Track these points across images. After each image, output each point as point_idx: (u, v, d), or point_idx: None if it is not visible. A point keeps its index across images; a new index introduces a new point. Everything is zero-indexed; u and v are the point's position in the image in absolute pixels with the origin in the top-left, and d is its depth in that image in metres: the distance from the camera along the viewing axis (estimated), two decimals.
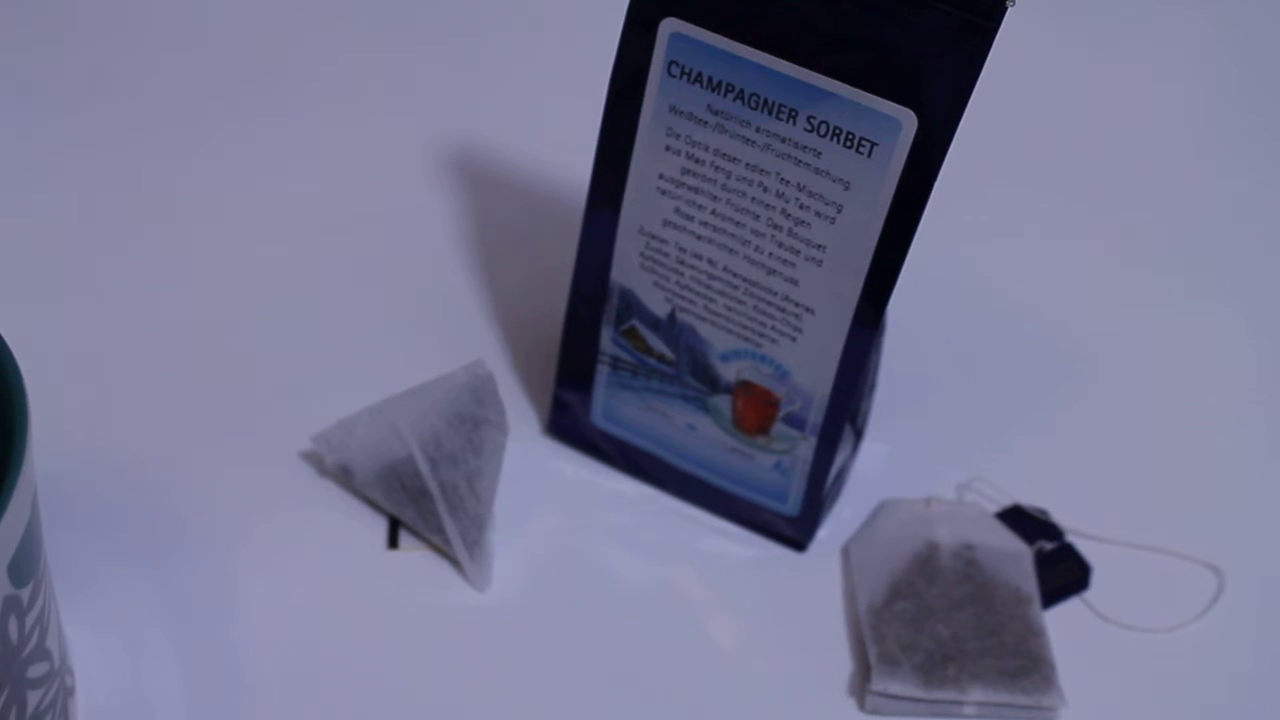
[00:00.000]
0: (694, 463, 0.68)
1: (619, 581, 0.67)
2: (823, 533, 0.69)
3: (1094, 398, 0.74)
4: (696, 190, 0.60)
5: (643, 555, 0.68)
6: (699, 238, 0.61)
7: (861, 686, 0.64)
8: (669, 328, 0.64)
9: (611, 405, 0.68)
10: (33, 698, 0.54)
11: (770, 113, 0.57)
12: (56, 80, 0.82)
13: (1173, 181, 0.83)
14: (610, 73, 0.60)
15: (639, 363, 0.66)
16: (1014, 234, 0.80)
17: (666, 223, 0.62)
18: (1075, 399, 0.74)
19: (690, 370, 0.65)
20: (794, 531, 0.68)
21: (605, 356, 0.67)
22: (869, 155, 0.57)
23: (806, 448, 0.65)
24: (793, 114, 0.57)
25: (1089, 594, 0.67)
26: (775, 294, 0.61)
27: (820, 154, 0.57)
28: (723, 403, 0.65)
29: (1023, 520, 0.69)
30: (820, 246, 0.59)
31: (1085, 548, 0.68)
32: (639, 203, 0.62)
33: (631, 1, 0.58)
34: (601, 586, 0.66)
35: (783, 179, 0.59)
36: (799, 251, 0.60)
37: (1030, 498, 0.70)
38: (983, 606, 0.65)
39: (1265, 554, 0.69)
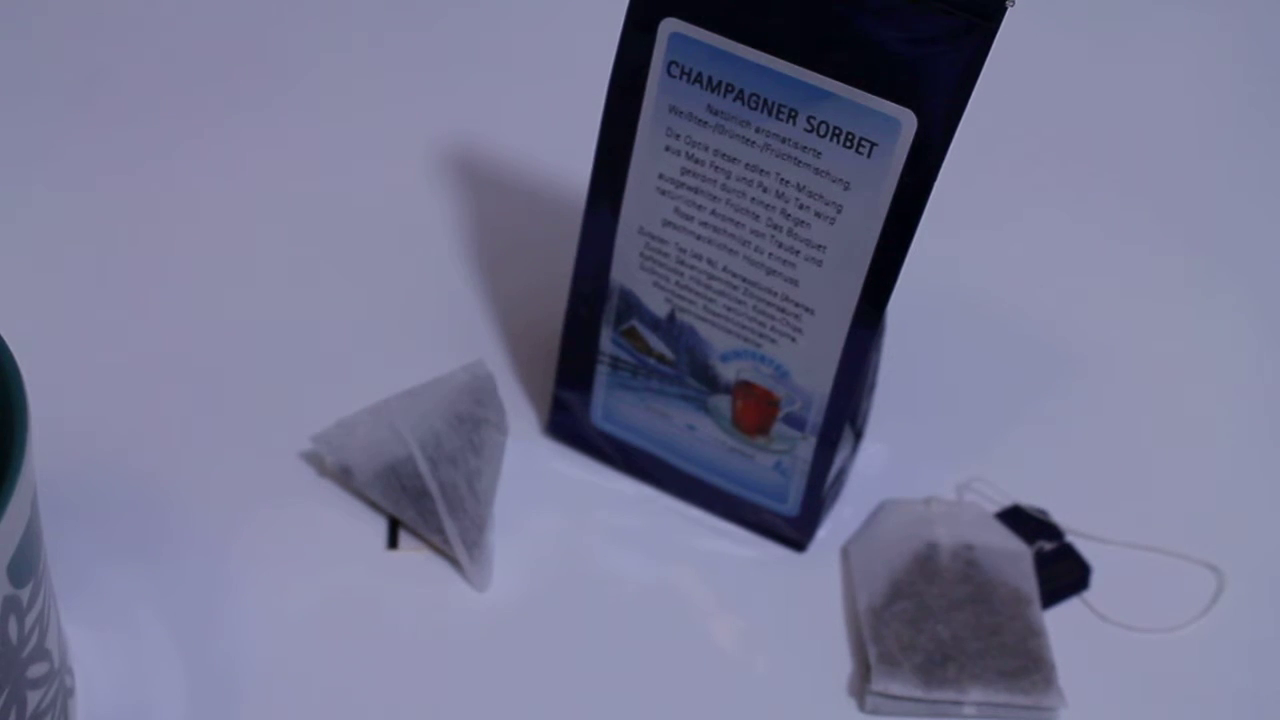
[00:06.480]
0: (694, 463, 0.68)
1: (619, 581, 0.67)
2: (823, 533, 0.69)
3: (1094, 398, 0.74)
4: (696, 190, 0.60)
5: (643, 555, 0.68)
6: (699, 238, 0.61)
7: (861, 686, 0.64)
8: (669, 328, 0.64)
9: (611, 405, 0.68)
10: (33, 698, 0.54)
11: (770, 113, 0.57)
12: (56, 78, 0.82)
13: (1174, 181, 0.83)
14: (610, 73, 0.60)
15: (639, 363, 0.66)
16: (1014, 234, 0.80)
17: (666, 223, 0.62)
18: (1075, 399, 0.74)
19: (690, 370, 0.65)
20: (794, 532, 0.68)
21: (605, 357, 0.67)
22: (869, 155, 0.57)
23: (806, 448, 0.65)
24: (792, 114, 0.57)
25: (1089, 594, 0.67)
26: (775, 294, 0.61)
27: (820, 154, 0.57)
28: (722, 403, 0.65)
29: (1022, 520, 0.69)
30: (820, 247, 0.59)
31: (1085, 548, 0.68)
32: (639, 203, 0.62)
33: (631, 2, 0.58)
34: (601, 586, 0.66)
35: (782, 179, 0.59)
36: (799, 252, 0.60)
37: (1030, 498, 0.70)
38: (982, 607, 0.65)
39: (1265, 554, 0.69)
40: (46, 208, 0.77)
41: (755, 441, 0.66)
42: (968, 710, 0.63)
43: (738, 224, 0.60)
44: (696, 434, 0.67)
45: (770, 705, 0.64)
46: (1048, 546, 0.68)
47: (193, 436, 0.69)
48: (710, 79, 0.58)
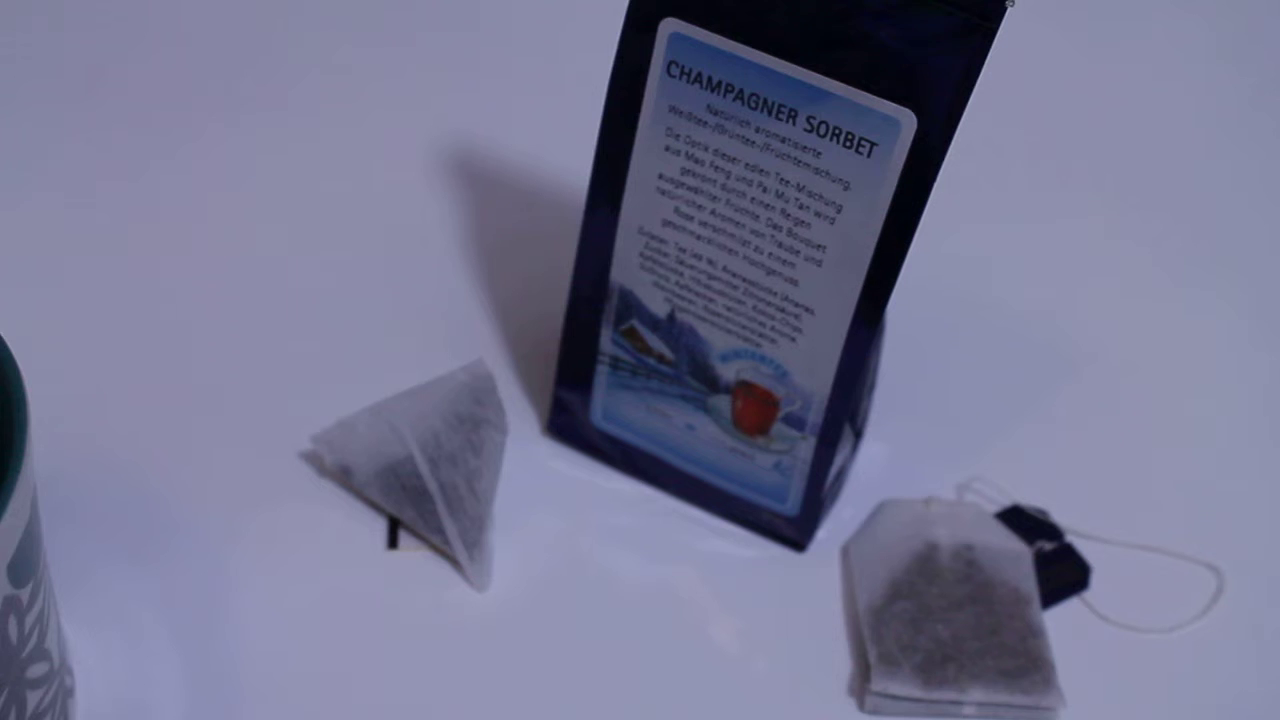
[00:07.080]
0: (694, 463, 0.68)
1: (619, 582, 0.67)
2: (822, 533, 0.69)
3: (1094, 397, 0.74)
4: (696, 190, 0.60)
5: (643, 555, 0.68)
6: (698, 238, 0.61)
7: (861, 686, 0.64)
8: (668, 328, 0.64)
9: (611, 405, 0.68)
10: (32, 698, 0.54)
11: (770, 113, 0.57)
12: (57, 77, 0.82)
13: (1173, 181, 0.83)
14: (610, 73, 0.60)
15: (639, 363, 0.66)
16: (1014, 234, 0.80)
17: (666, 223, 0.62)
18: (1075, 399, 0.74)
19: (690, 370, 0.65)
20: (794, 531, 0.68)
21: (605, 356, 0.67)
22: (869, 155, 0.57)
23: (806, 448, 0.65)
24: (792, 114, 0.57)
25: (1089, 594, 0.67)
26: (775, 294, 0.61)
27: (820, 154, 0.57)
28: (722, 403, 0.65)
29: (1022, 520, 0.69)
30: (820, 246, 0.59)
31: (1085, 548, 0.68)
32: (639, 203, 0.62)
33: (631, 2, 0.58)
34: (601, 586, 0.66)
35: (782, 179, 0.59)
36: (799, 251, 0.60)
37: (1030, 498, 0.70)
38: (982, 607, 0.65)
39: (1265, 554, 0.69)
40: (46, 209, 0.77)
41: (755, 441, 0.66)
42: (968, 710, 0.63)
43: (738, 224, 0.60)
44: (696, 434, 0.67)
45: (770, 705, 0.64)
46: (1048, 546, 0.68)
47: (192, 436, 0.69)
48: (710, 79, 0.58)
